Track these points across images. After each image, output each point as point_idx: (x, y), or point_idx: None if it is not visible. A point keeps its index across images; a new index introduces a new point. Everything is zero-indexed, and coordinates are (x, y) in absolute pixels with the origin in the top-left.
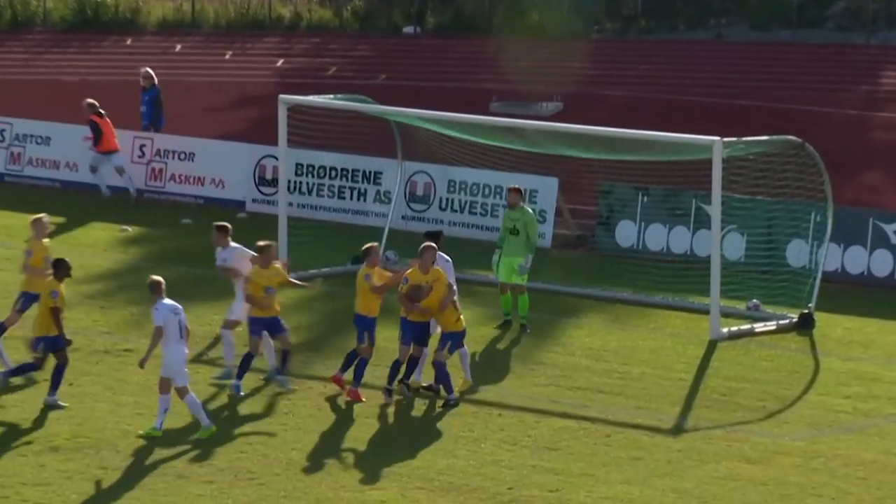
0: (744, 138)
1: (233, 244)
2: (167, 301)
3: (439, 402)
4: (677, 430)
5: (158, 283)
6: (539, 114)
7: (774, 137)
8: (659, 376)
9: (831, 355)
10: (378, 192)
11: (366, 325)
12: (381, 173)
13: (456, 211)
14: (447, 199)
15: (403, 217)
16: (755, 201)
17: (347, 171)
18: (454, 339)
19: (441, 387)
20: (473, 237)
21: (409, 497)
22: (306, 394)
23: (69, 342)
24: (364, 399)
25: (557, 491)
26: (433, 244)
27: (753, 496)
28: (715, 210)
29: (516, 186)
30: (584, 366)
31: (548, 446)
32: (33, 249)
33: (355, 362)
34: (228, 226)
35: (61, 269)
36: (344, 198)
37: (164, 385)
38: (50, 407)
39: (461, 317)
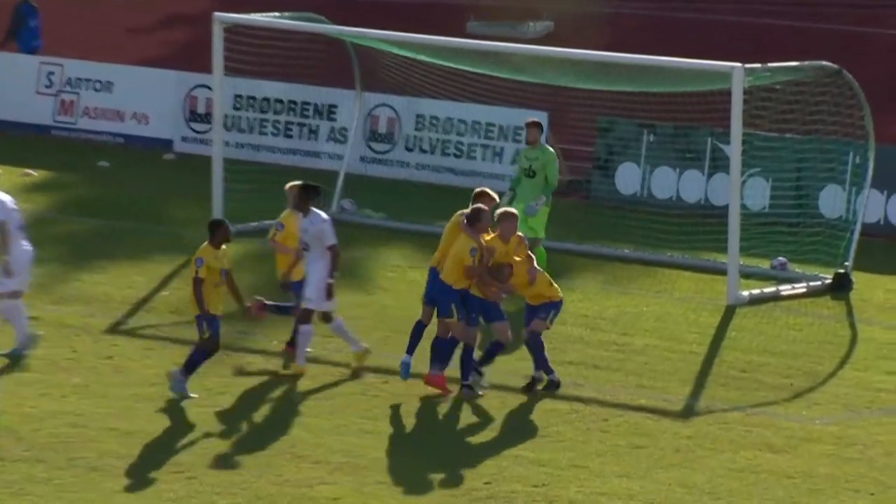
0: (769, 64)
1: None
2: None
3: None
4: (687, 412)
5: None
6: (525, 35)
7: (806, 63)
8: (666, 349)
9: (872, 323)
10: (332, 130)
11: (452, 296)
12: (335, 107)
13: (425, 151)
14: (415, 138)
15: (362, 159)
16: (782, 140)
17: (295, 104)
18: (556, 309)
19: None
20: (446, 182)
21: (368, 493)
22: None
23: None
24: (449, 390)
25: (544, 486)
26: (508, 211)
27: (777, 491)
28: (735, 151)
29: (535, 120)
30: (577, 336)
31: (533, 433)
32: (286, 223)
33: (437, 347)
34: None
35: (217, 232)
36: (291, 136)
37: None
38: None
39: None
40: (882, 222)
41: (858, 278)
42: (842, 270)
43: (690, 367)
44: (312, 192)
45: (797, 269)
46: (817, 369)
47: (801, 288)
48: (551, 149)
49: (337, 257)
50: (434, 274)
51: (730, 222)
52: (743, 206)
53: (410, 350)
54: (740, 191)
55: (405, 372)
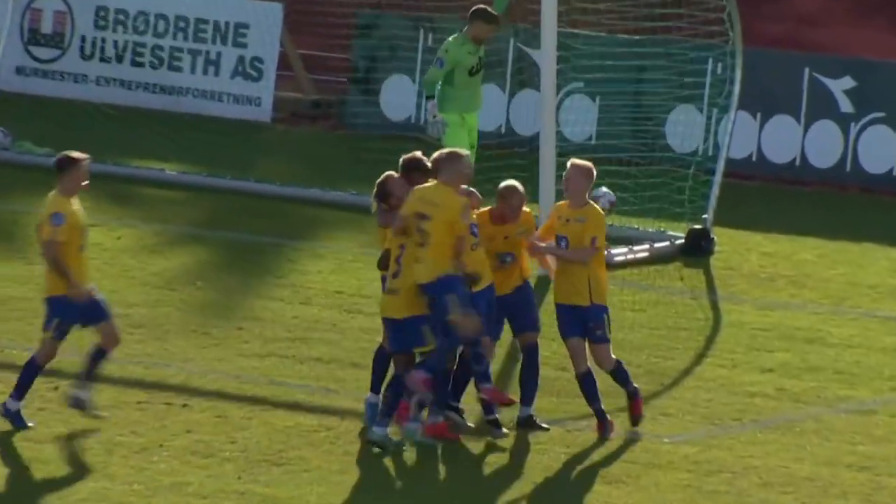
0: None
1: None
2: None
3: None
4: (484, 428)
5: None
6: None
7: None
8: None
9: (741, 300)
10: None
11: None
12: None
13: (109, 60)
14: (94, 41)
15: (19, 70)
16: (614, 42)
17: None
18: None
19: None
20: (140, 104)
21: None
22: None
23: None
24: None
25: None
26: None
27: None
28: (547, 58)
29: (484, 7)
30: (329, 321)
31: (266, 459)
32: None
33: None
34: None
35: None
36: None
37: None
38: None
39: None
40: (755, 158)
41: (722, 237)
42: (699, 226)
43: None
44: None
45: (636, 224)
46: (666, 367)
47: (642, 251)
48: None
49: None
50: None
51: (541, 158)
52: (560, 136)
53: (376, 387)
54: (556, 114)
55: (371, 416)
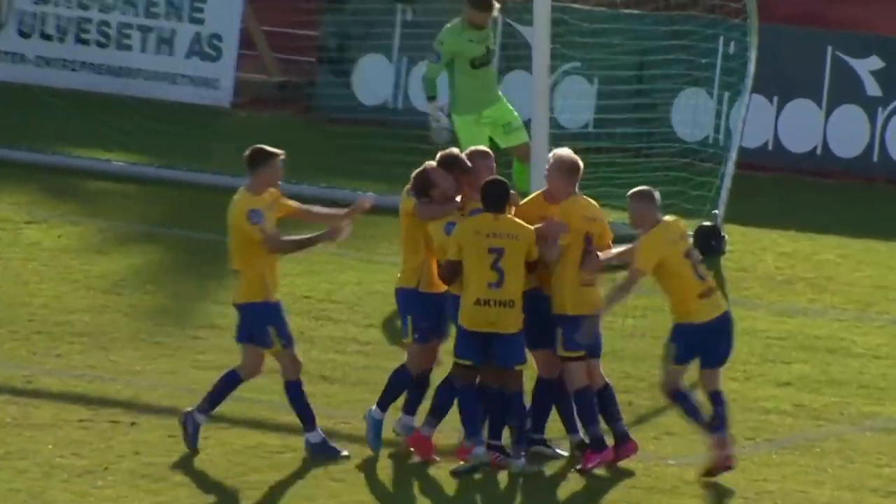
0: None
1: None
2: None
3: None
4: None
5: None
6: None
7: None
8: None
9: (754, 306)
10: None
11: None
12: None
13: (50, 38)
14: (35, 18)
15: None
16: (616, 17)
17: None
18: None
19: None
20: (85, 86)
21: None
22: None
23: None
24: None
25: None
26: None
27: None
28: (539, 35)
29: None
30: (295, 330)
31: (222, 481)
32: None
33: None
34: None
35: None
36: None
37: None
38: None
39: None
40: (771, 147)
41: (734, 235)
42: (708, 223)
43: None
44: None
45: None
46: None
47: None
48: None
49: None
50: (408, 296)
51: (534, 147)
52: (553, 123)
53: (383, 405)
54: (549, 98)
55: (375, 435)
